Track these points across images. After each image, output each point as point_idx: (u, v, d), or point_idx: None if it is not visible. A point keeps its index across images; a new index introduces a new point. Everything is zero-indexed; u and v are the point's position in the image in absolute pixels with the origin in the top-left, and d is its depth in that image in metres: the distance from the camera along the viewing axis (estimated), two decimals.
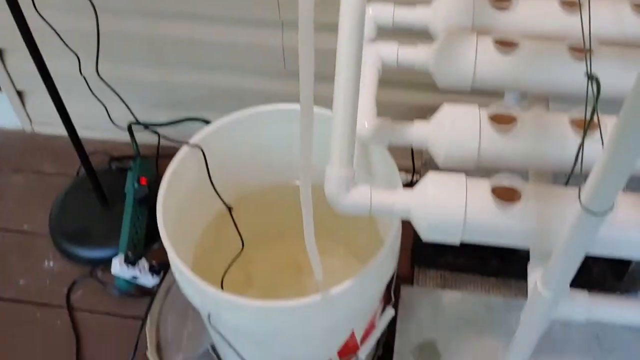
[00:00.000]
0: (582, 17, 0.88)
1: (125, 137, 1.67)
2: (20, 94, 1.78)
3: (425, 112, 0.91)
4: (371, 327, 1.13)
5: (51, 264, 1.56)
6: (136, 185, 1.54)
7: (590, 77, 0.71)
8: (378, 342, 1.33)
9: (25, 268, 1.55)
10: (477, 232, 0.79)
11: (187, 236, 1.18)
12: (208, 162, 1.14)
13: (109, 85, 1.34)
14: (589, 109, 0.72)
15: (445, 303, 1.22)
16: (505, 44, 0.90)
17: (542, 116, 0.88)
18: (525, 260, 0.85)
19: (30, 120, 1.85)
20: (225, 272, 1.23)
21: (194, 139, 1.12)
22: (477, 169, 0.85)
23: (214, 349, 1.34)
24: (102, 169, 1.65)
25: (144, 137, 1.67)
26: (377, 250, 0.97)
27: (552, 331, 1.17)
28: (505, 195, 0.79)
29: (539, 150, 0.85)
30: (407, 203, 0.81)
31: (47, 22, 1.25)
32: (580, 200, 0.65)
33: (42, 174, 1.75)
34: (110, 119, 1.51)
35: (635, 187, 0.77)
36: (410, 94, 1.52)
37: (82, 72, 1.34)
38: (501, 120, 0.85)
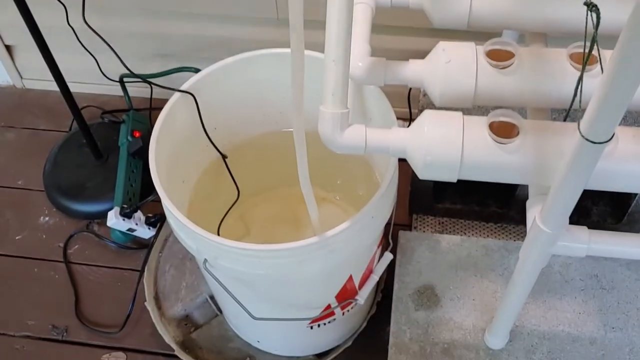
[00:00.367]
0: None
1: (117, 90, 1.65)
2: (8, 48, 1.76)
3: (421, 58, 0.89)
4: (369, 271, 1.13)
5: (47, 219, 1.55)
6: (130, 138, 1.53)
7: (590, 5, 0.69)
8: (377, 287, 1.33)
9: (21, 224, 1.55)
10: (475, 169, 0.78)
11: (182, 184, 1.17)
12: (200, 109, 1.12)
13: (98, 34, 1.31)
14: (589, 41, 0.71)
15: (444, 247, 1.21)
16: None
17: (540, 51, 0.86)
18: (523, 204, 0.84)
19: (21, 76, 1.82)
20: (222, 220, 1.23)
21: (184, 86, 1.10)
22: (474, 108, 0.84)
23: (212, 298, 1.34)
24: (95, 123, 1.64)
25: (136, 90, 1.65)
26: None
27: (551, 272, 1.17)
28: (504, 131, 0.77)
29: (537, 85, 0.83)
30: (403, 141, 0.80)
31: None
32: (579, 130, 0.63)
33: (35, 130, 1.74)
34: (102, 72, 1.49)
35: None
36: (405, 40, 1.49)
37: (69, 22, 1.31)
38: (498, 57, 0.83)
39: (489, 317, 1.12)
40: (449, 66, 0.82)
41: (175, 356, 1.28)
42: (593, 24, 0.69)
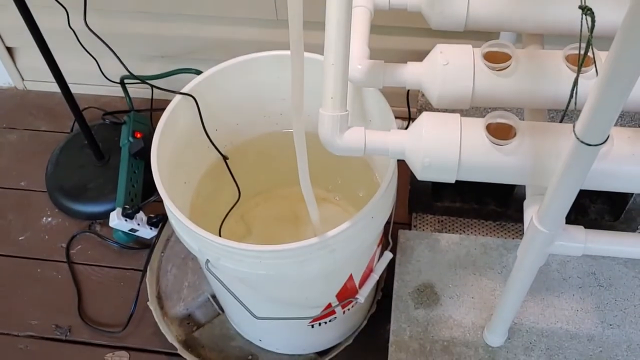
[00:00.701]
0: None
1: (118, 91, 1.66)
2: (10, 50, 1.76)
3: (420, 59, 0.90)
4: (369, 271, 1.14)
5: (49, 219, 1.56)
6: (131, 139, 1.54)
7: (585, 9, 0.70)
8: (377, 286, 1.34)
9: (24, 225, 1.56)
10: (473, 170, 0.79)
11: (184, 186, 1.18)
12: (201, 111, 1.13)
13: (99, 37, 1.32)
14: (584, 43, 0.72)
15: (443, 246, 1.23)
16: None
17: (537, 53, 0.87)
18: (521, 202, 0.85)
19: (22, 78, 1.83)
20: (223, 220, 1.24)
21: (186, 88, 1.11)
22: (471, 109, 0.85)
23: (214, 298, 1.35)
24: (96, 124, 1.64)
25: (137, 91, 1.66)
26: None
27: (549, 270, 1.18)
28: (501, 133, 0.78)
29: (533, 87, 0.84)
30: (401, 143, 0.81)
31: None
32: (575, 133, 0.64)
33: (36, 131, 1.74)
34: (103, 73, 1.50)
35: None
36: (403, 40, 1.50)
37: (71, 25, 1.32)
38: (495, 59, 0.84)
39: (487, 314, 1.14)
40: (447, 69, 0.83)
41: (178, 355, 1.29)
42: (588, 27, 0.70)
